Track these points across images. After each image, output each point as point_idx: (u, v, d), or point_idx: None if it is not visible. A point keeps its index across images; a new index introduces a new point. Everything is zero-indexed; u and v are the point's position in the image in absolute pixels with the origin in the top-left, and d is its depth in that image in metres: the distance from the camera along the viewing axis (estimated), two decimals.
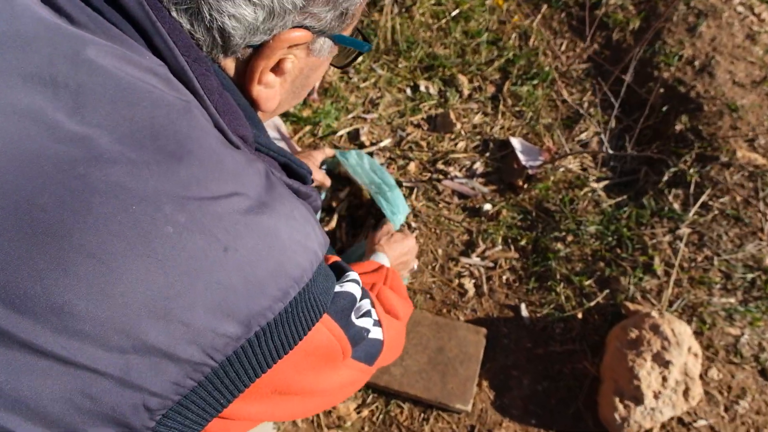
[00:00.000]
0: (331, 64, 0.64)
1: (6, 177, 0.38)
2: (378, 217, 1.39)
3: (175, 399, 0.42)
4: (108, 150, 0.40)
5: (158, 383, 0.40)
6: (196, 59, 0.48)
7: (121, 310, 0.38)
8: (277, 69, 0.54)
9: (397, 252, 1.18)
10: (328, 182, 1.38)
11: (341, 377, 0.64)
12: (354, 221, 1.48)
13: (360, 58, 1.78)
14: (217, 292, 0.41)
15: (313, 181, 0.68)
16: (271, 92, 0.56)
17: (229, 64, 0.53)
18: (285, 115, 1.65)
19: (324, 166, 1.43)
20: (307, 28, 0.51)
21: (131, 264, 0.39)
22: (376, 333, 0.70)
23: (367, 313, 0.68)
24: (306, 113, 1.66)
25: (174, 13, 0.46)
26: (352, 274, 0.64)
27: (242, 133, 0.51)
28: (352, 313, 0.61)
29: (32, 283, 0.37)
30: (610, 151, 1.47)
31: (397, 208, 1.37)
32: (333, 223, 1.43)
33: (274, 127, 1.61)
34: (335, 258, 0.73)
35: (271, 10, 0.47)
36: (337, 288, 0.57)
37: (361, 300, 0.66)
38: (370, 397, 1.26)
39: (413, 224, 1.51)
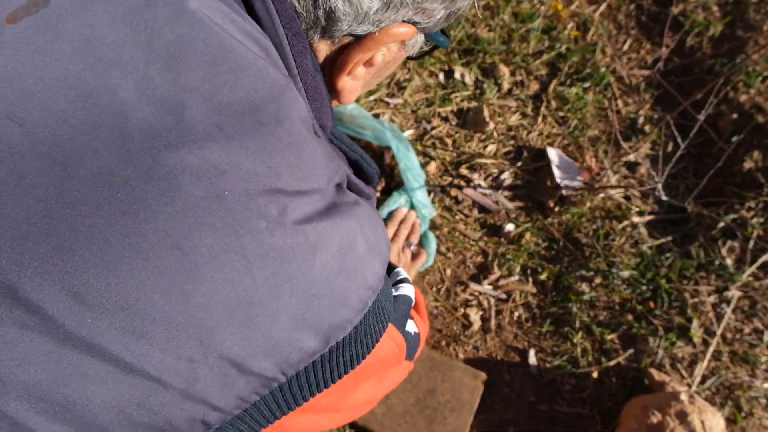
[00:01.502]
0: (408, 57, 0.59)
1: (81, 137, 0.31)
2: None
3: (235, 413, 0.37)
4: (203, 121, 0.34)
5: (224, 398, 0.35)
6: (296, 34, 0.43)
7: (200, 314, 0.33)
8: (367, 61, 0.49)
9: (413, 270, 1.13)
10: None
11: (390, 380, 0.61)
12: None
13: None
14: (302, 301, 0.37)
15: (379, 182, 0.59)
16: (356, 85, 0.51)
17: (322, 47, 0.47)
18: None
19: None
20: (415, 23, 0.47)
21: (218, 261, 0.33)
22: (412, 326, 0.66)
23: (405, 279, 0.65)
24: None
25: None
26: (401, 272, 0.59)
27: (325, 122, 0.46)
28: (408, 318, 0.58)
29: (104, 270, 0.31)
30: (659, 184, 1.22)
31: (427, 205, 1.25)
32: None
33: None
34: None
35: (389, 1, 0.43)
36: (394, 291, 0.53)
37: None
38: None
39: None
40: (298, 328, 0.36)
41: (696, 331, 1.13)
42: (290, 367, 0.37)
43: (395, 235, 1.19)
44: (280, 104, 0.38)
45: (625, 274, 1.20)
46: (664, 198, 1.16)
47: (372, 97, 1.44)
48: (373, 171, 0.55)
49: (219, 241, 0.33)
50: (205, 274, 0.33)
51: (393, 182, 1.30)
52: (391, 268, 0.61)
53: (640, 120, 1.40)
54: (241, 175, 0.35)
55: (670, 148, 1.35)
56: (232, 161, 0.34)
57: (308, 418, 0.48)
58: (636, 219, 1.27)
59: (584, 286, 1.20)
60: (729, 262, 1.18)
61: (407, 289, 0.56)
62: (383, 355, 0.49)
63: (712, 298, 1.16)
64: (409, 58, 0.61)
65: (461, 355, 1.16)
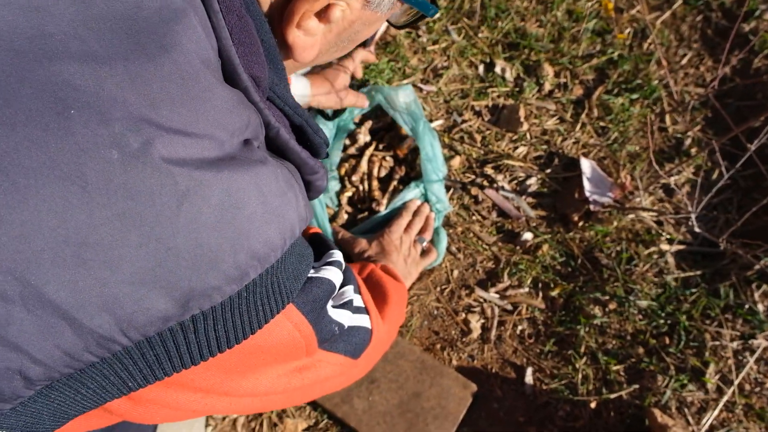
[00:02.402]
0: (387, 22, 0.55)
1: None
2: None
3: (64, 371, 0.32)
4: (65, 32, 0.30)
5: (45, 349, 0.30)
6: None
7: (15, 244, 0.28)
8: (322, 15, 0.44)
9: (399, 261, 1.05)
10: (364, 102, 1.20)
11: (325, 378, 0.55)
12: (385, 177, 1.23)
13: (434, 19, 1.45)
14: (154, 253, 0.31)
15: (327, 155, 0.55)
16: (310, 41, 0.46)
17: None
18: (330, 64, 1.35)
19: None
20: None
21: (48, 188, 0.28)
22: (360, 321, 0.60)
23: (348, 303, 0.57)
24: None
25: None
26: (336, 254, 0.54)
27: (256, 72, 0.41)
28: (329, 303, 0.51)
29: None
30: (693, 215, 1.11)
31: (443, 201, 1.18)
32: (359, 172, 1.20)
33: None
34: (316, 229, 0.61)
35: None
36: (312, 273, 0.47)
37: (342, 287, 0.57)
38: (324, 422, 1.06)
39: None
40: (145, 284, 0.31)
41: (711, 377, 1.02)
42: (135, 329, 0.32)
43: (408, 226, 1.12)
44: (170, 30, 0.33)
45: (643, 303, 1.10)
46: (697, 229, 1.05)
47: (405, 81, 1.36)
48: (319, 140, 0.50)
49: (51, 164, 0.28)
50: (27, 199, 0.28)
51: (413, 172, 1.23)
52: (325, 247, 0.55)
53: (687, 141, 1.28)
54: (99, 97, 0.30)
55: (714, 176, 1.23)
56: (93, 82, 0.30)
57: (189, 397, 0.42)
58: (665, 247, 1.17)
59: (597, 310, 1.11)
60: (761, 308, 1.07)
61: (331, 273, 0.49)
62: (277, 341, 0.43)
63: (735, 344, 1.05)
64: (394, 26, 0.55)
65: (454, 362, 1.09)
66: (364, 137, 1.22)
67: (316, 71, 1.15)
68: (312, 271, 0.47)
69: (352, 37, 0.50)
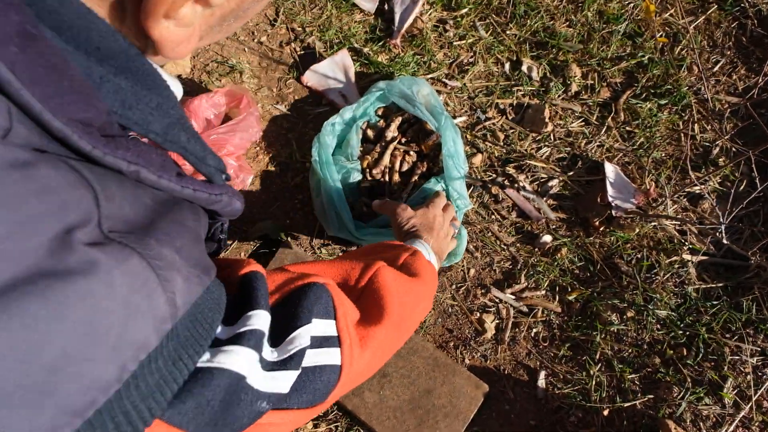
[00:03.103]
0: None
1: None
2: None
3: None
4: None
5: None
6: None
7: None
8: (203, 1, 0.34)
9: (440, 237, 0.91)
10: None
11: None
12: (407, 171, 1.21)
13: (463, 10, 1.41)
14: None
15: (227, 178, 0.44)
16: (184, 33, 0.35)
17: None
18: (356, 53, 1.33)
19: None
20: None
21: None
22: (326, 358, 0.50)
23: (295, 355, 0.46)
24: (380, 57, 1.34)
25: None
26: (255, 319, 0.42)
27: (81, 115, 0.30)
28: (250, 379, 0.41)
29: None
30: (722, 226, 1.07)
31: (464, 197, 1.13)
32: (381, 165, 1.17)
33: (341, 68, 1.30)
34: (251, 268, 0.47)
35: None
36: (206, 360, 0.37)
37: (288, 334, 0.46)
38: (333, 413, 1.05)
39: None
40: None
41: (728, 392, 1.00)
42: None
43: (445, 208, 1.02)
44: None
45: (663, 313, 1.07)
46: (725, 241, 1.01)
47: (430, 76, 1.33)
48: (209, 169, 0.40)
49: None
50: None
51: (436, 168, 1.21)
52: (247, 305, 0.44)
53: (715, 150, 1.24)
54: None
55: (741, 187, 1.20)
56: None
57: None
58: (687, 256, 1.13)
59: (614, 317, 1.09)
60: None
61: (237, 357, 0.39)
62: None
63: (755, 360, 1.02)
64: None
65: (467, 361, 1.08)
66: (392, 133, 1.20)
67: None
68: (207, 355, 0.38)
69: (241, 15, 0.40)
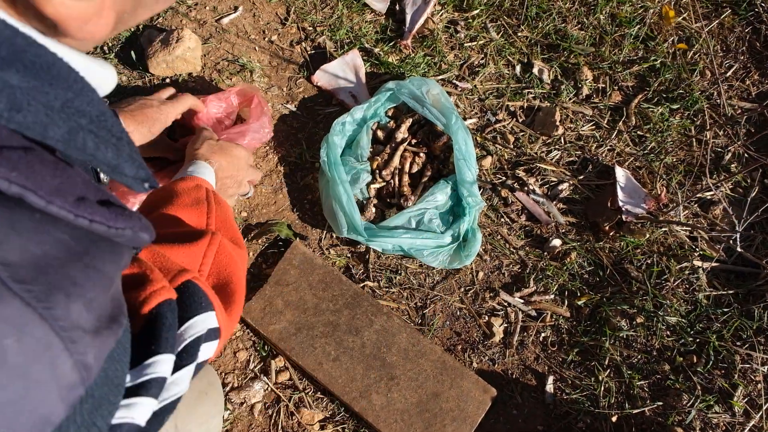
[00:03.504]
0: None
1: None
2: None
3: None
4: None
5: None
6: None
7: None
8: None
9: (225, 162, 0.86)
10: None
11: None
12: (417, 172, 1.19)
13: (475, 12, 1.39)
14: None
15: (153, 187, 0.38)
16: (88, 8, 0.29)
17: None
18: (367, 53, 1.32)
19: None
20: None
21: None
22: (211, 346, 0.49)
23: (192, 358, 0.46)
24: (391, 58, 1.32)
25: None
26: (157, 366, 0.40)
27: None
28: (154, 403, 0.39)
29: None
30: (737, 234, 1.06)
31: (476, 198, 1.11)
32: (391, 167, 1.16)
33: (352, 68, 1.29)
34: (161, 297, 0.44)
35: None
36: (114, 419, 0.34)
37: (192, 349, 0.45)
38: (341, 415, 1.04)
39: None
40: None
41: (738, 401, 0.98)
42: None
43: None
44: None
45: (672, 320, 1.06)
46: (739, 249, 1.00)
47: (441, 77, 1.32)
48: (125, 179, 0.35)
49: None
50: None
51: (445, 170, 1.20)
52: (149, 349, 0.41)
53: (728, 156, 1.23)
54: None
55: (754, 193, 1.18)
56: None
57: None
58: (698, 263, 1.12)
59: (623, 323, 1.07)
60: None
61: (137, 410, 0.37)
62: None
63: (766, 369, 1.00)
64: None
65: (475, 365, 1.06)
66: (402, 134, 1.19)
67: (124, 107, 0.91)
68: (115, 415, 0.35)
69: None
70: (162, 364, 0.40)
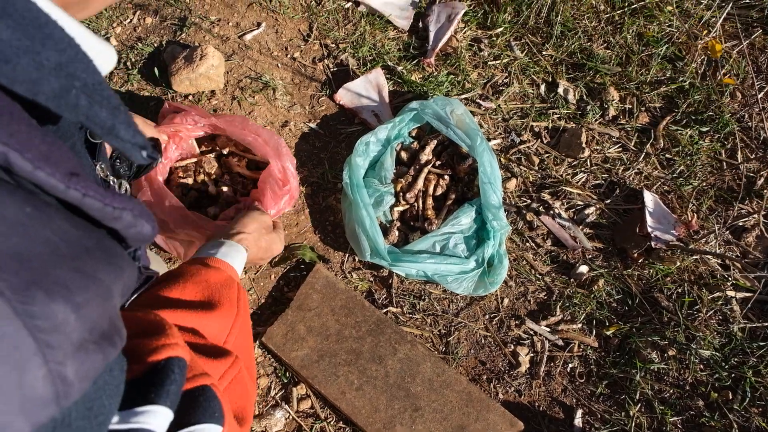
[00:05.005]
0: None
1: None
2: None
3: None
4: None
5: None
6: None
7: None
8: None
9: (261, 252, 0.81)
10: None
11: None
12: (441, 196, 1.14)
13: (498, 29, 1.32)
14: None
15: (155, 159, 0.32)
16: None
17: None
18: (390, 71, 1.27)
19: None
20: None
21: None
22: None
23: None
24: (414, 76, 1.27)
25: None
26: (156, 416, 0.33)
27: None
28: None
29: None
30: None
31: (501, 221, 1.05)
32: (415, 189, 1.10)
33: (375, 87, 1.24)
34: (171, 352, 0.38)
35: None
36: None
37: None
38: None
39: None
40: None
41: None
42: None
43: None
44: None
45: (706, 353, 1.00)
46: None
47: (464, 96, 1.27)
48: (121, 144, 0.31)
49: None
50: None
51: (470, 192, 1.14)
52: (141, 396, 0.34)
53: (760, 181, 1.17)
54: None
55: None
56: None
57: None
58: (730, 293, 1.06)
59: (654, 355, 1.02)
60: None
61: None
62: None
63: None
64: None
65: (501, 396, 1.01)
66: (426, 156, 1.14)
67: None
68: None
69: None
70: (156, 417, 0.34)
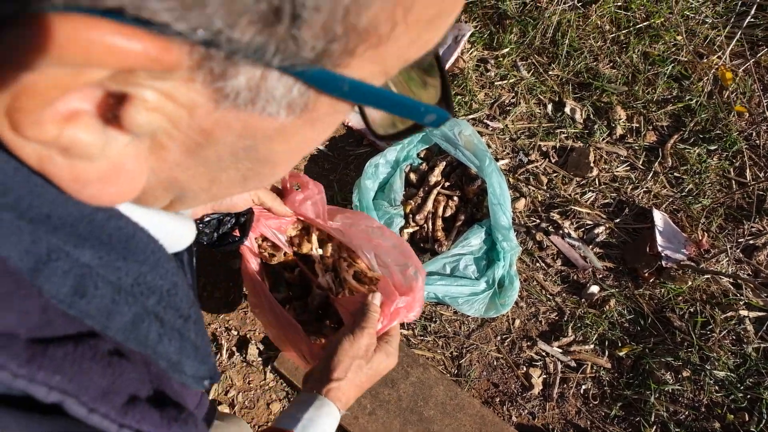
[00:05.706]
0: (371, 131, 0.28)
1: None
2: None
3: None
4: None
5: None
6: None
7: None
8: (113, 118, 0.17)
9: (361, 386, 0.68)
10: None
11: None
12: (450, 217, 1.12)
13: (505, 50, 1.33)
14: None
15: (215, 381, 0.30)
16: (84, 169, 0.19)
17: None
18: None
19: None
20: (151, 24, 0.14)
21: None
22: None
23: None
24: None
25: None
26: None
27: None
28: None
29: None
30: None
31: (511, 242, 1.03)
32: (424, 211, 1.08)
33: None
34: None
35: None
36: None
37: None
38: None
39: None
40: None
41: None
42: None
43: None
44: None
45: (721, 374, 0.99)
46: None
47: (471, 117, 1.27)
48: (184, 378, 0.29)
49: None
50: None
51: (479, 214, 1.14)
52: None
53: None
54: None
55: None
56: None
57: None
58: (744, 312, 1.05)
59: (668, 376, 1.00)
60: None
61: None
62: None
63: None
64: (376, 136, 0.29)
65: (515, 419, 1.00)
66: (435, 178, 1.13)
67: None
68: None
69: (246, 156, 0.22)
70: None
